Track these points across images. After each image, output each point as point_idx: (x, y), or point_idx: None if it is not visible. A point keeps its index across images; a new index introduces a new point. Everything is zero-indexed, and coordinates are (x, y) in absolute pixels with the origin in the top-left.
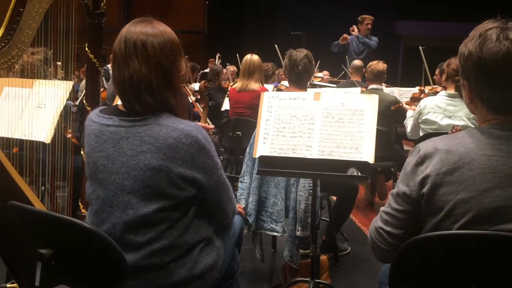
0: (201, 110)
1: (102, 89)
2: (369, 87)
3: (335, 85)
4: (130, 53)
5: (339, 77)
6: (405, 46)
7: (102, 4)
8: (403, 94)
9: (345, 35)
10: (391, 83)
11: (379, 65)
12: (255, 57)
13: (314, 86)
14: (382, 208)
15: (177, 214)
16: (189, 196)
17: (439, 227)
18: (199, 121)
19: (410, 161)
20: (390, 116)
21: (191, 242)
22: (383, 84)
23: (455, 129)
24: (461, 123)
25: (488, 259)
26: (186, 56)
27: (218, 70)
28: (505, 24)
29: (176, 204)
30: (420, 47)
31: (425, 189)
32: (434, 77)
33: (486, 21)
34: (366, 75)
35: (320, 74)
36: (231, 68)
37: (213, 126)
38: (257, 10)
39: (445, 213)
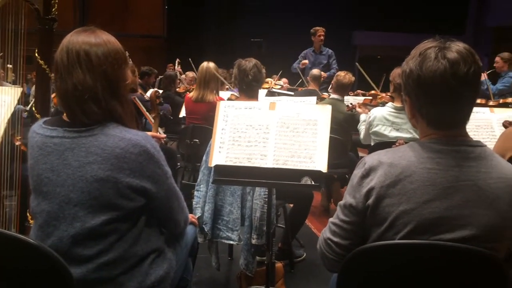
0: (152, 120)
1: (54, 95)
2: (331, 97)
3: (293, 93)
4: (73, 63)
5: (297, 85)
6: (360, 56)
7: (53, 10)
8: (357, 101)
9: (304, 61)
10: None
11: (345, 77)
12: (211, 65)
13: (272, 93)
14: (330, 219)
15: (126, 226)
16: (138, 206)
17: (383, 238)
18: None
19: (357, 173)
20: (347, 128)
21: (141, 253)
22: (350, 92)
23: (398, 142)
24: (408, 135)
25: (428, 268)
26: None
27: (173, 77)
28: (443, 44)
29: (125, 215)
30: (357, 64)
31: (370, 201)
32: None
33: (426, 40)
34: (332, 83)
35: (280, 82)
36: (190, 74)
37: (165, 135)
38: (217, 16)
39: (389, 224)
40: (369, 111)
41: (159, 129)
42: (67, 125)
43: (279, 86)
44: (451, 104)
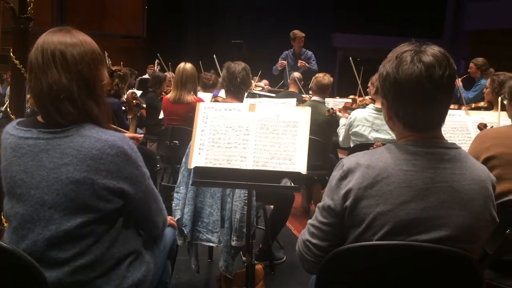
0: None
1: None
2: (312, 99)
3: (274, 95)
4: (48, 63)
5: (278, 87)
6: (341, 58)
7: (29, 9)
8: (337, 105)
9: (281, 61)
10: (330, 94)
11: (324, 78)
12: (188, 66)
13: (254, 95)
14: (309, 221)
15: (103, 227)
16: (116, 208)
17: (360, 239)
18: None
19: (335, 175)
20: (327, 130)
21: (118, 256)
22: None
23: (376, 144)
24: (387, 136)
25: (404, 268)
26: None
27: (161, 78)
28: (419, 47)
29: (102, 217)
30: (351, 58)
31: (348, 203)
32: (368, 89)
33: (402, 44)
34: (310, 86)
35: (261, 84)
36: (168, 75)
37: (142, 135)
38: (198, 17)
39: (366, 225)
40: (349, 114)
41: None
42: (42, 126)
43: (260, 88)
44: (426, 106)
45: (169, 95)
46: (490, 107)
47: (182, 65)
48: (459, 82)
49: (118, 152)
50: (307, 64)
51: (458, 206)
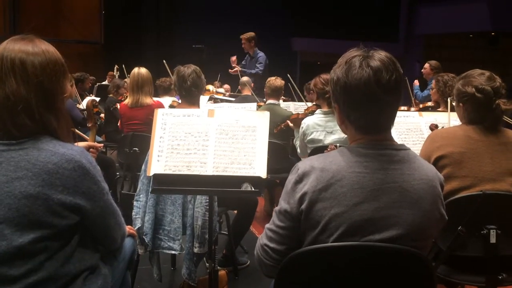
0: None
1: None
2: (267, 102)
3: (234, 99)
4: (7, 71)
5: (237, 91)
6: (301, 62)
7: None
8: (298, 108)
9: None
10: (289, 97)
11: (276, 81)
12: (143, 70)
13: (215, 100)
14: (266, 225)
15: (58, 244)
16: (71, 224)
17: (316, 241)
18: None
19: (290, 179)
20: (286, 131)
21: (74, 272)
22: (282, 97)
23: (330, 147)
24: (343, 136)
25: (360, 268)
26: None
27: (119, 84)
28: (367, 53)
29: (56, 234)
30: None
31: (303, 206)
32: (307, 97)
33: (351, 49)
34: (265, 90)
35: (221, 90)
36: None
37: (102, 144)
38: (157, 22)
39: (322, 227)
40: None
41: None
42: None
43: (222, 94)
44: (375, 109)
45: (126, 101)
46: (437, 106)
47: (136, 69)
48: (416, 82)
49: (75, 167)
50: (239, 69)
51: (408, 205)
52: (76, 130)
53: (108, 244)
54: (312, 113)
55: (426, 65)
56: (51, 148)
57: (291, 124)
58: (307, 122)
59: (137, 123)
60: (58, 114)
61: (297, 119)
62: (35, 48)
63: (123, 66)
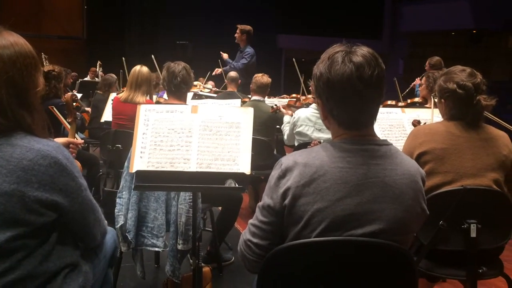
0: (68, 126)
1: None
2: (252, 98)
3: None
4: None
5: (222, 87)
6: (286, 58)
7: None
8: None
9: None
10: (274, 94)
11: (263, 78)
12: (144, 69)
13: (200, 96)
14: (250, 221)
15: (36, 242)
16: (49, 221)
17: (300, 236)
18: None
19: (274, 175)
20: (271, 127)
21: (53, 270)
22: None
23: (313, 143)
24: (329, 135)
25: (342, 262)
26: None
27: (110, 81)
28: (349, 48)
29: (34, 231)
30: (294, 59)
31: (286, 201)
32: (310, 88)
33: (334, 45)
34: (251, 86)
35: (209, 85)
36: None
37: (82, 141)
38: (141, 17)
39: (305, 223)
40: (293, 112)
41: (78, 134)
42: None
43: (208, 90)
44: (358, 105)
45: (120, 95)
46: (425, 102)
47: (138, 67)
48: (417, 80)
49: (51, 163)
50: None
51: (390, 200)
52: (55, 110)
53: (88, 241)
54: (308, 105)
55: (427, 63)
56: (26, 144)
57: (283, 110)
58: (299, 114)
59: (124, 119)
60: (32, 110)
61: (293, 105)
62: (3, 41)
63: (99, 62)
